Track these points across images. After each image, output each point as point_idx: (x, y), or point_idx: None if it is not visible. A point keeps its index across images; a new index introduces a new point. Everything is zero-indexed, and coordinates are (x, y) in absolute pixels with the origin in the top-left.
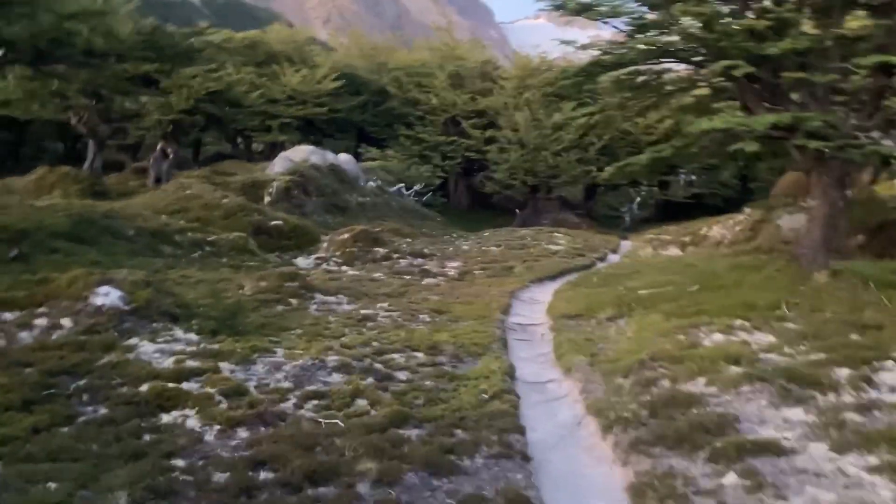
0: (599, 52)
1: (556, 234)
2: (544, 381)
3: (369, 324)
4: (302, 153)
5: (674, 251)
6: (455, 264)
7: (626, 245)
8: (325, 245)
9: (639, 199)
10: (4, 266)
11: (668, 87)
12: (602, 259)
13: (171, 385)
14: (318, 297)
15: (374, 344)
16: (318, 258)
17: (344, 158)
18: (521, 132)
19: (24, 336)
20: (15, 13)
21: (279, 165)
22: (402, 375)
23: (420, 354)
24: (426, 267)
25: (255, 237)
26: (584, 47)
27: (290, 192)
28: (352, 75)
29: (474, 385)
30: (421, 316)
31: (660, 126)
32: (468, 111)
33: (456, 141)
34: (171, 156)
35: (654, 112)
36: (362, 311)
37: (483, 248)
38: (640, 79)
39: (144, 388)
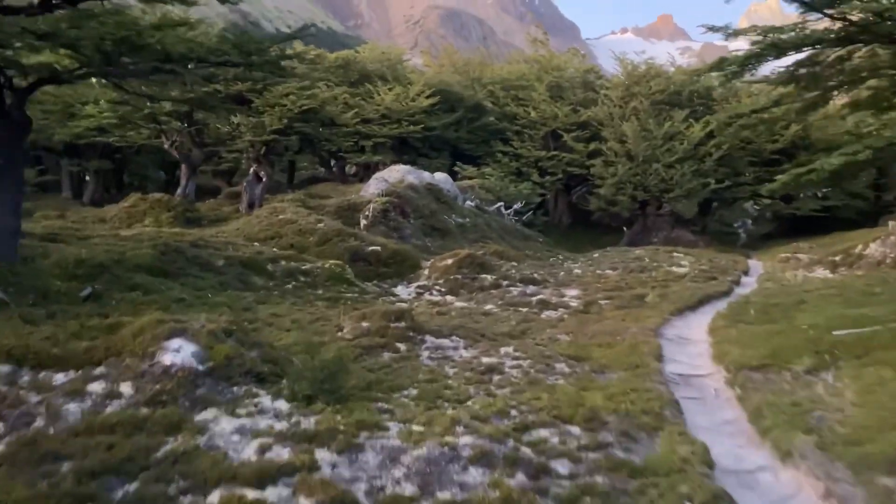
0: (761, 36)
1: (675, 253)
2: (753, 470)
3: (496, 377)
4: (397, 173)
5: (822, 273)
6: (574, 292)
7: (756, 266)
8: (426, 272)
9: (755, 214)
10: (75, 308)
11: (836, 80)
12: (737, 283)
13: (250, 495)
14: (430, 339)
15: (513, 413)
16: (419, 286)
17: (440, 177)
18: (629, 144)
19: (73, 409)
20: (84, 23)
21: (374, 187)
22: (561, 468)
23: (576, 429)
24: (542, 296)
25: (352, 264)
26: (735, 33)
27: (387, 214)
28: (446, 91)
29: (668, 486)
30: (557, 365)
31: (786, 133)
32: (569, 124)
33: (557, 155)
34: (264, 179)
35: (812, 112)
36: (484, 360)
37: (598, 271)
38: (808, 69)
39: (215, 498)
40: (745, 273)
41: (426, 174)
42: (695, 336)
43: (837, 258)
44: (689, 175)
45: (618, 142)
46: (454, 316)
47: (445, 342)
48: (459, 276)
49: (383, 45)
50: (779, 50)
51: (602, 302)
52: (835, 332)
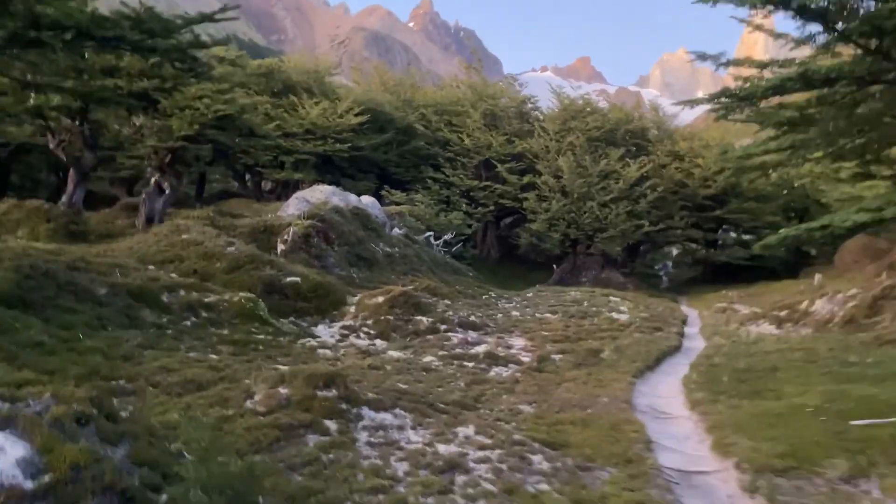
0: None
1: (611, 297)
2: None
3: (461, 479)
4: (321, 194)
5: (768, 328)
6: (520, 342)
7: (692, 314)
8: (352, 309)
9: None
10: None
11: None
12: (681, 335)
13: None
14: (367, 414)
15: None
16: (344, 327)
17: (368, 201)
18: (564, 179)
19: None
20: None
21: (294, 207)
22: None
23: None
24: (486, 346)
25: (266, 297)
26: (732, 63)
27: (309, 239)
28: (376, 111)
29: None
30: (533, 457)
31: (718, 178)
32: (504, 154)
33: (489, 186)
34: (167, 192)
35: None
36: (441, 448)
37: (537, 314)
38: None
39: None
40: (684, 323)
41: (353, 197)
42: (673, 409)
43: (782, 313)
44: (623, 215)
45: (553, 176)
46: (390, 371)
47: (388, 418)
48: (392, 318)
49: (310, 57)
50: (806, 82)
51: (555, 356)
52: (853, 423)
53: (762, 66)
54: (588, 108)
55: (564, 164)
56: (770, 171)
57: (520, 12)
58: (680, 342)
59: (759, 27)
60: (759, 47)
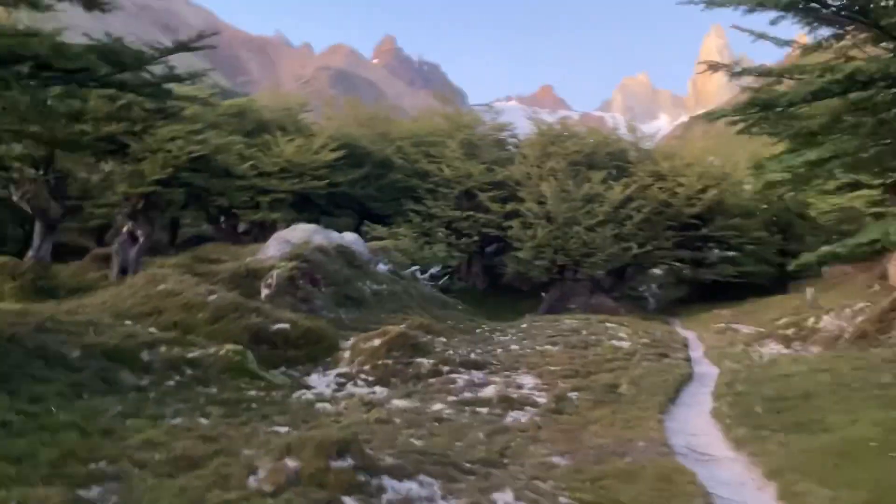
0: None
1: (608, 324)
2: None
3: None
4: (302, 233)
5: (776, 348)
6: (530, 380)
7: (691, 337)
8: (346, 354)
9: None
10: None
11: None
12: (688, 360)
13: None
14: (389, 485)
15: None
16: (340, 375)
17: (351, 238)
18: (548, 204)
19: None
20: None
21: (275, 248)
22: None
23: None
24: (496, 387)
25: (254, 348)
26: (743, 72)
27: (295, 281)
28: (352, 145)
29: None
30: None
31: (703, 197)
32: (485, 183)
33: (472, 216)
34: (140, 240)
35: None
36: None
37: (537, 346)
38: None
39: None
40: (686, 346)
41: (335, 234)
42: (715, 449)
43: (789, 332)
44: (610, 238)
45: (536, 202)
46: (400, 425)
47: (413, 488)
48: (390, 361)
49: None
50: (850, 84)
51: (571, 395)
52: None
53: (780, 73)
54: (566, 133)
55: (547, 189)
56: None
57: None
58: (691, 369)
59: (790, 42)
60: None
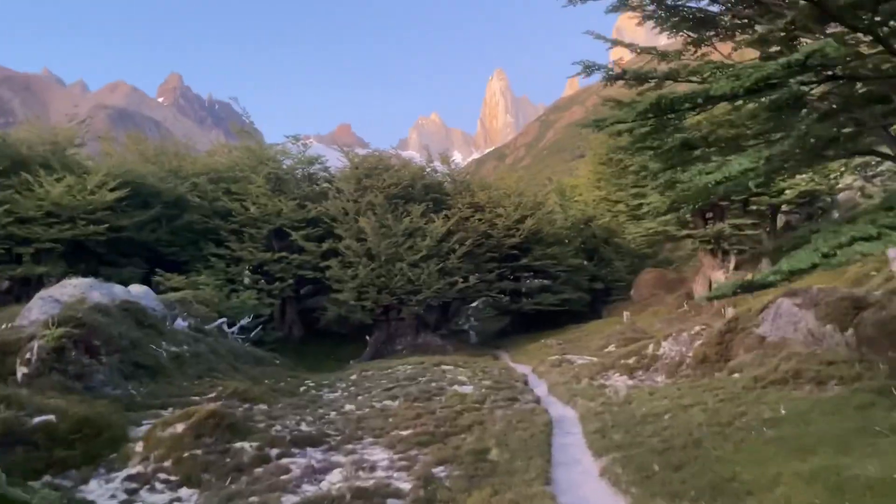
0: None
1: (444, 366)
2: None
3: None
4: (75, 289)
5: (621, 380)
6: (381, 454)
7: (527, 372)
8: (139, 447)
9: (484, 312)
10: None
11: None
12: (538, 402)
13: None
14: None
15: None
16: (131, 478)
17: (139, 292)
18: (368, 241)
19: None
20: None
21: (39, 311)
22: None
23: None
24: (345, 472)
25: (4, 453)
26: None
27: (65, 353)
28: (137, 183)
29: None
30: None
31: (521, 227)
32: (297, 220)
33: (285, 257)
34: None
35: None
36: None
37: (375, 402)
38: None
39: None
40: (527, 383)
41: (118, 288)
42: None
43: (630, 361)
44: (435, 274)
45: (355, 239)
46: None
47: None
48: (200, 452)
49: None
50: (798, 71)
51: (437, 471)
52: None
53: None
54: (381, 165)
55: (366, 224)
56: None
57: (273, 83)
58: (547, 414)
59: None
60: (501, 107)
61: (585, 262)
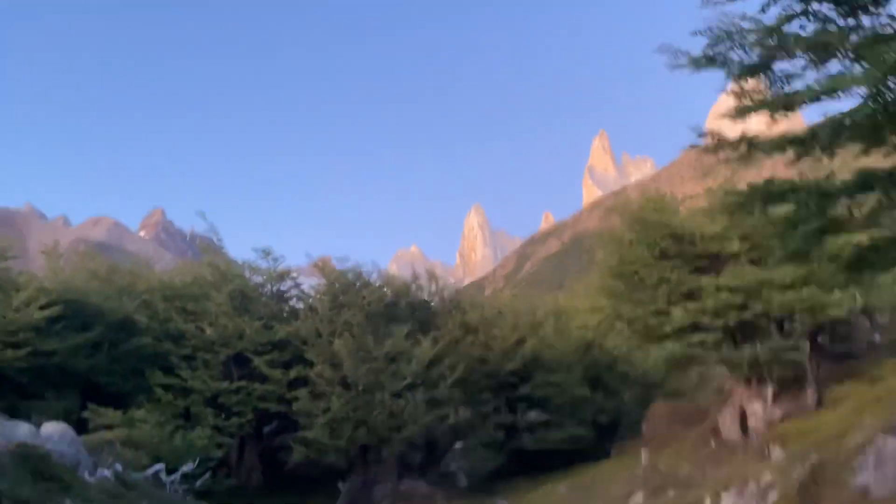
0: None
1: None
2: None
3: None
4: None
5: None
6: None
7: None
8: None
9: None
10: None
11: None
12: None
13: None
14: None
15: None
16: None
17: (51, 432)
18: (344, 367)
19: None
20: None
21: None
22: None
23: None
24: None
25: None
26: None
27: None
28: (76, 301)
29: None
30: None
31: (520, 350)
32: (261, 343)
33: (244, 387)
34: None
35: None
36: None
37: None
38: None
39: None
40: None
41: (23, 429)
42: None
43: None
44: (422, 405)
45: (329, 365)
46: None
47: None
48: None
49: None
50: None
51: None
52: None
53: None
54: (360, 281)
55: (342, 347)
56: None
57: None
58: None
59: None
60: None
61: (590, 393)
